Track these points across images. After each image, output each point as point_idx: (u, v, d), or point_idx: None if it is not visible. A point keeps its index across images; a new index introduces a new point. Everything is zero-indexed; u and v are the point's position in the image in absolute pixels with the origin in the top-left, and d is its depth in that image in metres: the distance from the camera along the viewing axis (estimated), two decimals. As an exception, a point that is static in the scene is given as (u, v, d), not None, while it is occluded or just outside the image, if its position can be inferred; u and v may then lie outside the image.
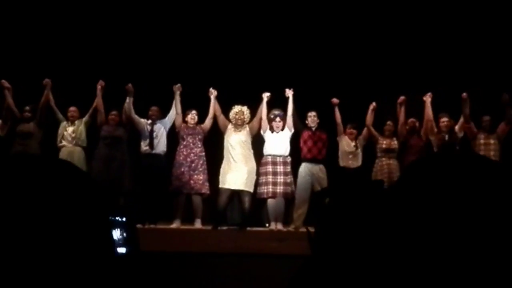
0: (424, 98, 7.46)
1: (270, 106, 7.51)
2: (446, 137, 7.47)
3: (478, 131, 7.52)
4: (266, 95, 7.45)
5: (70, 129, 7.46)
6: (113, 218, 2.81)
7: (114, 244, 0.93)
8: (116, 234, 2.86)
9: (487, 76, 8.23)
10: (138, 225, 6.96)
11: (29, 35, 8.48)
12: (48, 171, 0.88)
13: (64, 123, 7.49)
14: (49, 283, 0.82)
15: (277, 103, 7.55)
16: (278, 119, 7.38)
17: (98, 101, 7.45)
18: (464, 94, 7.33)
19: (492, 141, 7.44)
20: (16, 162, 0.89)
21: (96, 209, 0.90)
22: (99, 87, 7.43)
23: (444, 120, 7.48)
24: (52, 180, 0.87)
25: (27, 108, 7.37)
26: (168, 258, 6.06)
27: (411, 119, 7.57)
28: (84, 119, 7.52)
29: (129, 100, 7.41)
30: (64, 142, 7.44)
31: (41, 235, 0.82)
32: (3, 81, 7.26)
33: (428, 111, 7.43)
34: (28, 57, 8.30)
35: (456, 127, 7.53)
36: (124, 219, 2.92)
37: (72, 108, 7.50)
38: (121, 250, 2.73)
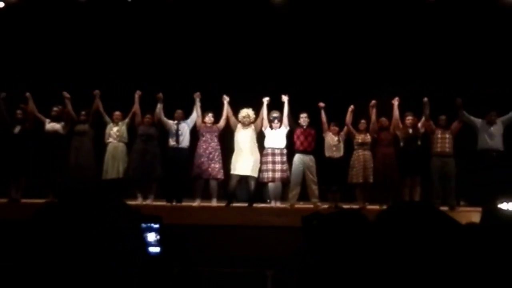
0: (393, 101, 8.24)
1: (270, 108, 8.25)
2: (410, 131, 8.21)
3: (436, 128, 8.23)
4: (266, 99, 8.18)
5: (115, 128, 8.29)
6: (149, 225, 2.94)
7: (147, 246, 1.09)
8: (151, 237, 2.93)
9: (445, 83, 9.02)
10: (167, 203, 8.00)
11: (81, 56, 9.39)
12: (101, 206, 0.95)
13: (110, 124, 8.33)
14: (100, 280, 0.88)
15: (275, 105, 8.29)
16: (276, 120, 8.14)
17: (136, 106, 8.24)
18: (425, 99, 8.13)
19: (447, 136, 8.18)
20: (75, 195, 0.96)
21: (132, 226, 0.96)
22: (136, 95, 8.24)
23: (409, 118, 8.20)
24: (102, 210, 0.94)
25: (83, 112, 8.25)
26: (190, 229, 6.59)
27: (382, 118, 8.29)
28: (125, 120, 8.35)
29: (159, 106, 8.21)
30: (110, 139, 8.28)
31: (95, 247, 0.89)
32: (64, 92, 8.21)
33: (395, 112, 8.21)
34: (81, 73, 9.18)
35: (419, 124, 8.23)
36: (157, 225, 2.94)
37: (116, 112, 8.37)
38: (155, 249, 2.88)
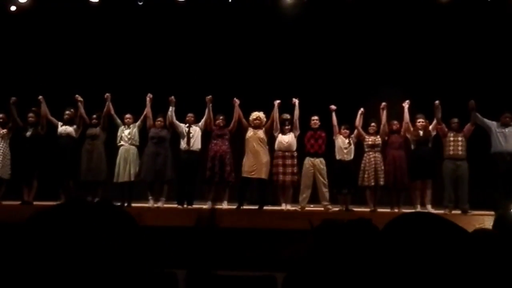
0: (403, 104, 8.22)
1: (281, 111, 8.27)
2: (421, 133, 8.14)
3: (448, 130, 8.16)
4: (277, 102, 8.17)
5: (126, 131, 8.32)
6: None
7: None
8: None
9: (457, 85, 8.94)
10: (178, 206, 7.97)
11: (93, 59, 9.48)
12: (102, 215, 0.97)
13: (121, 127, 8.36)
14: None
15: (286, 108, 8.30)
16: (286, 122, 8.18)
17: (148, 109, 8.25)
18: (437, 102, 8.06)
19: (460, 139, 8.10)
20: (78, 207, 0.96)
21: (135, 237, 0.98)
22: (148, 98, 8.24)
23: (420, 120, 8.15)
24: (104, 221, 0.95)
25: (94, 116, 8.30)
26: (200, 231, 6.74)
27: (393, 121, 8.26)
28: (137, 123, 8.37)
29: (171, 109, 8.24)
30: (122, 142, 8.30)
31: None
32: (76, 95, 8.26)
33: (406, 114, 8.17)
34: (93, 76, 9.26)
35: (430, 127, 8.17)
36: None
37: (127, 115, 8.40)
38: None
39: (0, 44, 9.11)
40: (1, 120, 8.38)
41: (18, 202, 8.21)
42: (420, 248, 1.03)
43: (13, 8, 8.99)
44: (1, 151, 8.30)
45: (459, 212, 7.97)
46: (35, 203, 8.19)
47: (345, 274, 1.09)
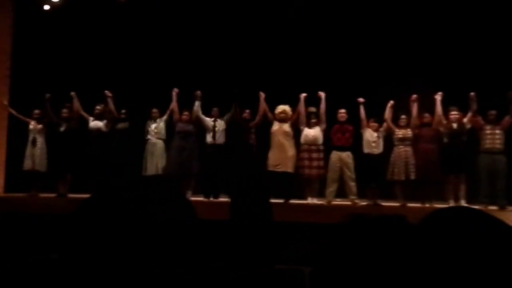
0: (435, 96, 7.93)
1: (307, 104, 8.21)
2: (455, 126, 7.84)
3: (484, 123, 7.82)
4: (303, 96, 8.13)
5: (153, 125, 8.48)
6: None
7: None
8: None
9: (494, 76, 8.47)
10: (205, 199, 8.08)
11: (122, 55, 9.66)
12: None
13: (148, 121, 8.53)
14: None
15: (312, 102, 8.24)
16: (312, 116, 8.12)
17: (174, 104, 8.36)
18: (472, 93, 7.74)
19: (497, 131, 7.74)
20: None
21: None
22: (174, 93, 8.34)
23: (454, 112, 7.85)
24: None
25: (123, 111, 8.55)
26: (226, 225, 7.03)
27: (424, 114, 7.98)
28: (163, 117, 8.50)
29: (197, 103, 8.33)
30: (149, 136, 8.47)
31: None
32: (106, 91, 8.52)
33: (438, 107, 7.87)
34: (122, 73, 9.45)
35: (465, 120, 7.85)
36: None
37: (154, 110, 8.53)
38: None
39: (35, 42, 9.44)
40: (37, 116, 8.75)
41: (54, 195, 8.54)
42: (462, 245, 0.98)
43: (46, 7, 9.28)
44: (38, 145, 8.67)
45: (495, 208, 7.60)
46: (69, 195, 8.49)
47: (375, 271, 1.05)
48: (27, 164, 8.66)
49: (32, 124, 8.75)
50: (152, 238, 0.93)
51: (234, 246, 2.43)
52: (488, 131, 7.88)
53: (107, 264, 0.92)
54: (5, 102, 9.02)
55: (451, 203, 7.83)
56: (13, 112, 8.88)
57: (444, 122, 7.93)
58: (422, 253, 0.99)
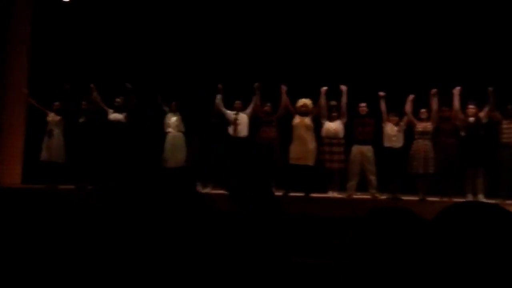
0: (454, 91, 7.96)
1: (328, 98, 8.20)
2: (472, 119, 7.89)
3: (502, 117, 7.90)
4: (324, 89, 8.13)
5: (173, 118, 8.45)
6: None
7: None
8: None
9: None
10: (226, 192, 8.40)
11: (141, 48, 9.60)
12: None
13: (168, 114, 8.48)
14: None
15: (334, 95, 8.23)
16: (334, 109, 8.13)
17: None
18: (490, 88, 7.81)
19: None
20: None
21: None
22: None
23: (471, 107, 7.90)
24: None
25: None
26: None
27: (445, 108, 8.01)
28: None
29: (219, 97, 8.33)
30: (169, 129, 8.43)
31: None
32: (126, 83, 8.48)
33: (456, 101, 7.92)
34: (141, 66, 9.40)
35: (482, 114, 7.92)
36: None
37: (174, 103, 8.50)
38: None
39: (55, 34, 9.38)
40: (57, 107, 8.71)
41: (73, 186, 8.47)
42: (475, 240, 0.99)
43: (66, -2, 9.25)
44: (55, 137, 8.64)
45: (514, 202, 7.68)
46: (89, 187, 8.43)
47: (396, 264, 1.06)
48: (44, 155, 8.67)
49: (51, 116, 8.71)
50: (160, 230, 0.95)
51: (243, 238, 2.34)
52: (506, 125, 7.96)
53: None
54: (25, 91, 8.94)
55: (470, 198, 7.91)
56: (33, 101, 8.82)
57: (461, 116, 7.98)
58: (434, 248, 1.00)
